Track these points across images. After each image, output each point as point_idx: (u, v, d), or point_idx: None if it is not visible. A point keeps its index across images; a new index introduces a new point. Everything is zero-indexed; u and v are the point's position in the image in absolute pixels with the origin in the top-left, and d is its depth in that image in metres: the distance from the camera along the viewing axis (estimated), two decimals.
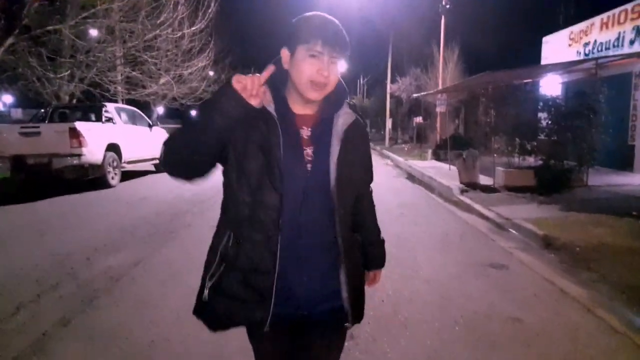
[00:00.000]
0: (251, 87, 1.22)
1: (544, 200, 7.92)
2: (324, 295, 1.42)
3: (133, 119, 11.23)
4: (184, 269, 4.44)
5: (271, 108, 1.33)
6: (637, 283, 4.03)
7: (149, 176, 11.69)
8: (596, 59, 9.78)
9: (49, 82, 14.21)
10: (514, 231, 6.23)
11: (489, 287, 4.13)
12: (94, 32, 15.07)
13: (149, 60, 15.43)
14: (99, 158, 9.17)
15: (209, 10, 16.57)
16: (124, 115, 10.73)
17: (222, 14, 18.28)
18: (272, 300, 1.33)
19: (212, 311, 1.39)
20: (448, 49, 19.75)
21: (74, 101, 15.13)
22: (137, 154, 10.85)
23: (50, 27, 12.69)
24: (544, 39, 15.99)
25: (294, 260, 1.36)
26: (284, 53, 1.35)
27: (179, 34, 15.70)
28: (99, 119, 9.82)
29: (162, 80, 16.87)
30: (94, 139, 9.09)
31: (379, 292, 3.89)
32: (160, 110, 42.42)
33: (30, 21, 12.72)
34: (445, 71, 19.59)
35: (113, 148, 9.70)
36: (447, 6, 16.73)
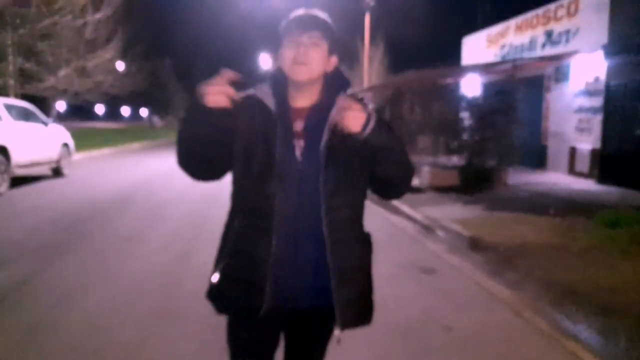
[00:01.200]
0: (213, 92, 1.28)
1: (468, 200, 7.95)
2: (315, 289, 1.41)
3: (25, 116, 9.85)
4: (80, 287, 3.83)
5: (271, 102, 1.41)
6: (559, 278, 4.10)
7: (45, 182, 10.29)
8: (514, 60, 10.10)
9: None
10: (441, 233, 6.09)
11: (419, 291, 3.98)
12: None
13: (46, 50, 13.85)
14: None
15: None
16: (14, 112, 9.37)
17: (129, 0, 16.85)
18: (267, 287, 1.36)
19: (220, 294, 1.46)
20: (373, 46, 19.87)
21: None
22: (31, 156, 9.52)
23: None
24: (464, 40, 16.50)
25: (291, 251, 1.39)
26: (277, 55, 1.46)
27: (82, 21, 14.24)
28: None
29: (61, 73, 15.23)
30: None
31: None
32: (62, 106, 38.82)
33: None
34: (371, 68, 19.69)
35: (0, 150, 8.41)
36: (372, 3, 16.73)
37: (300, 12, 1.44)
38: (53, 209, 7.20)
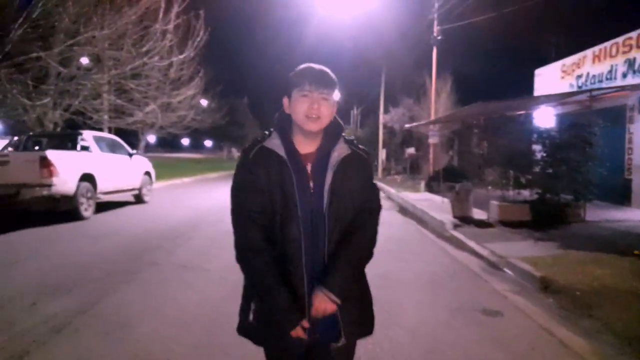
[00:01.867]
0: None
1: (540, 237, 7.48)
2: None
3: (112, 148, 10.77)
4: (135, 318, 3.93)
5: (282, 152, 1.59)
6: None
7: (127, 207, 11.15)
8: (590, 90, 9.55)
9: (32, 110, 13.87)
10: (508, 271, 5.76)
11: (480, 337, 3.66)
12: (84, 60, 14.86)
13: (135, 88, 15.13)
14: (71, 188, 8.67)
15: (198, 39, 16.42)
16: (102, 144, 10.28)
17: (212, 42, 18.20)
18: (307, 310, 1.58)
19: (258, 331, 1.64)
20: (440, 80, 19.69)
21: (58, 129, 14.70)
22: (114, 184, 10.34)
23: (33, 55, 12.43)
24: (537, 72, 15.90)
25: (309, 273, 1.59)
26: (285, 101, 1.65)
27: (167, 62, 15.46)
28: (74, 147, 9.36)
29: (147, 109, 16.54)
30: (67, 169, 8.62)
31: (357, 344, 3.39)
32: (152, 138, 41.98)
33: (13, 48, 12.49)
34: (438, 102, 19.45)
35: (88, 178, 9.22)
36: (439, 37, 16.68)
37: (311, 67, 1.63)
38: (128, 234, 7.69)
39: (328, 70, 1.64)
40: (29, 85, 13.29)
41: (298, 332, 1.55)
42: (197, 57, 18.29)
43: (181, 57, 16.02)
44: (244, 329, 1.67)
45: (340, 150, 1.66)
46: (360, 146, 1.74)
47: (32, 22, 12.73)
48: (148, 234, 7.69)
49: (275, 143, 1.61)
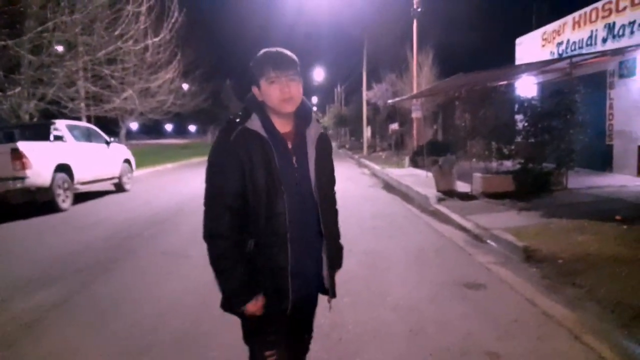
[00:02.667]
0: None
1: (524, 207, 7.49)
2: (312, 278, 1.80)
3: (87, 137, 10.48)
4: (112, 310, 3.84)
5: (263, 132, 1.66)
6: (626, 298, 3.59)
7: (108, 197, 10.93)
8: (570, 57, 9.48)
9: (5, 100, 13.42)
10: (492, 243, 5.75)
11: (464, 312, 3.64)
12: (59, 48, 14.36)
13: (110, 74, 14.71)
14: (46, 180, 8.44)
15: (172, 20, 15.94)
16: (76, 133, 9.99)
17: (190, 24, 17.70)
18: (290, 290, 1.69)
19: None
20: (422, 53, 19.45)
21: (34, 120, 14.27)
22: (92, 173, 10.10)
23: (3, 43, 11.96)
24: (517, 40, 15.77)
25: (304, 252, 1.72)
26: (255, 91, 1.73)
27: (142, 45, 15.01)
28: (47, 137, 9.07)
29: (124, 94, 16.11)
30: (40, 160, 8.37)
31: (339, 326, 3.34)
32: (134, 125, 41.34)
33: None
34: (420, 76, 19.27)
35: (63, 168, 8.97)
36: (419, 9, 16.41)
37: (269, 53, 1.68)
38: (107, 224, 7.53)
39: (286, 52, 1.70)
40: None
41: (249, 309, 1.66)
42: (174, 40, 17.79)
43: (156, 39, 15.55)
44: (224, 305, 1.76)
45: (316, 128, 1.79)
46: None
47: None
48: (128, 223, 7.54)
49: (256, 124, 1.67)
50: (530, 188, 8.30)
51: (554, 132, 8.26)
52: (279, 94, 1.65)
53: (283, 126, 1.74)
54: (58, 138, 9.28)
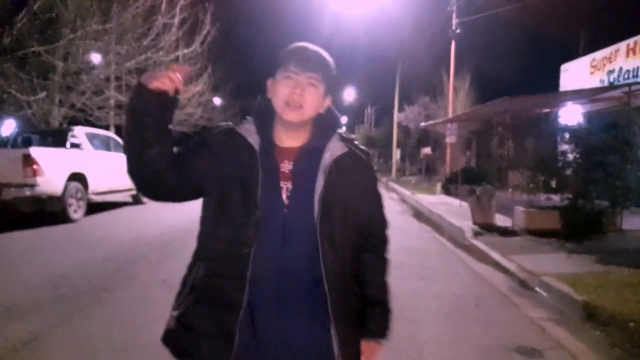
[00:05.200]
0: (158, 76, 1.23)
1: (574, 249, 6.63)
2: (311, 353, 1.27)
3: (107, 145, 10.15)
4: (86, 354, 3.22)
5: (254, 140, 1.31)
6: None
7: (123, 209, 10.52)
8: (629, 84, 8.62)
9: (37, 105, 13.40)
10: (542, 292, 4.94)
11: None
12: (96, 58, 14.37)
13: None
14: (57, 189, 8.05)
15: (204, 33, 15.79)
16: (95, 141, 9.66)
17: (222, 39, 17.57)
18: (236, 341, 1.23)
19: (177, 341, 1.31)
20: (459, 77, 18.74)
21: (63, 127, 14.20)
22: (108, 184, 9.72)
23: (32, 49, 11.93)
24: (563, 67, 14.92)
25: (272, 306, 1.25)
26: (269, 82, 1.36)
27: (173, 56, 14.86)
28: (63, 144, 8.73)
29: None
30: (53, 167, 7.99)
31: None
32: None
33: (14, 42, 12.01)
34: (456, 100, 18.52)
35: (77, 177, 8.59)
36: (457, 31, 15.76)
37: (302, 46, 1.33)
38: (115, 241, 7.01)
39: (323, 52, 1.33)
40: (28, 81, 12.78)
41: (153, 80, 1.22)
42: (205, 53, 17.69)
43: (187, 51, 15.39)
44: (165, 337, 1.35)
45: (334, 149, 1.33)
46: (361, 146, 1.40)
47: (32, 16, 12.26)
48: (137, 241, 7.00)
49: (248, 128, 1.33)
50: (579, 227, 7.43)
51: (609, 169, 7.38)
52: (287, 92, 1.28)
53: (289, 138, 1.34)
54: (75, 145, 8.93)
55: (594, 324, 3.98)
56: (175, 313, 1.32)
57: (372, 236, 1.44)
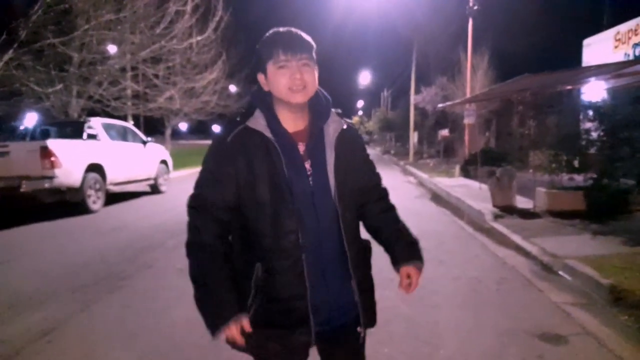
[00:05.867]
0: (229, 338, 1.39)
1: (599, 230, 6.42)
2: (343, 306, 1.46)
3: (124, 136, 10.19)
4: (106, 343, 3.23)
5: (267, 132, 1.38)
6: None
7: (142, 198, 10.61)
8: None
9: (55, 97, 13.53)
10: (566, 276, 4.79)
11: None
12: (112, 49, 14.41)
13: (155, 73, 14.62)
14: (76, 180, 8.12)
15: (217, 19, 15.65)
16: (112, 132, 9.70)
17: (235, 25, 17.41)
18: (312, 321, 1.38)
19: (257, 340, 1.41)
20: (477, 55, 18.23)
21: (82, 118, 14.31)
22: (126, 174, 9.78)
23: (47, 41, 11.99)
24: (585, 42, 14.37)
25: (319, 276, 1.40)
26: (260, 79, 1.44)
27: (186, 43, 14.79)
28: (80, 135, 8.79)
29: (167, 94, 15.96)
30: (71, 159, 8.06)
31: None
32: (182, 126, 41.82)
33: (29, 34, 12.09)
34: (474, 79, 18.06)
35: (95, 168, 8.66)
36: (475, 7, 15.29)
37: (279, 33, 1.41)
38: (133, 230, 7.08)
39: (299, 32, 1.42)
40: (45, 73, 12.88)
41: (232, 332, 1.36)
42: (219, 39, 17.57)
43: (200, 38, 15.30)
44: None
45: (335, 125, 1.48)
46: (349, 121, 1.57)
47: (46, 8, 12.31)
48: (155, 229, 7.05)
49: (259, 123, 1.39)
50: (604, 207, 7.19)
51: (637, 145, 7.09)
52: (288, 80, 1.36)
53: (295, 123, 1.45)
54: (92, 137, 8.99)
55: (621, 308, 3.83)
56: (249, 316, 1.40)
57: (375, 190, 1.63)
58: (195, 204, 1.44)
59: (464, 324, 3.57)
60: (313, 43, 1.42)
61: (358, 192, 1.52)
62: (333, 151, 1.43)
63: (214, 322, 1.36)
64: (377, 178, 1.65)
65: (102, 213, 8.64)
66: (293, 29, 1.41)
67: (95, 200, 8.60)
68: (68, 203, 8.19)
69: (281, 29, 1.40)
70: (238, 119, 1.42)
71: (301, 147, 1.42)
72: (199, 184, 1.45)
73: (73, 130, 9.18)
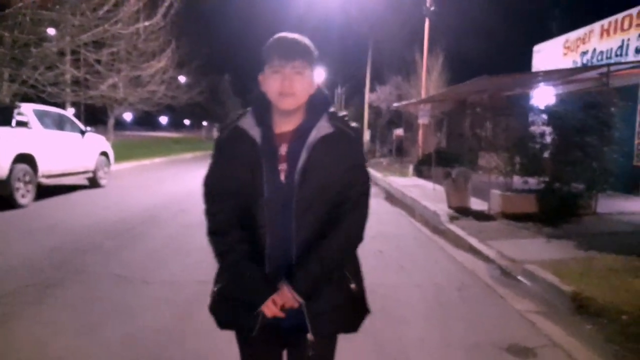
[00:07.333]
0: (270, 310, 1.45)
1: (552, 233, 6.49)
2: (290, 308, 1.47)
3: (59, 124, 9.34)
4: None
5: (255, 132, 1.48)
6: None
7: (79, 192, 9.78)
8: (608, 65, 8.47)
9: None
10: (525, 281, 4.71)
11: None
12: (51, 31, 13.25)
13: (96, 58, 13.65)
14: (2, 171, 7.29)
15: (166, 4, 14.82)
16: (46, 120, 8.84)
17: (187, 13, 16.58)
18: (260, 307, 1.44)
19: (219, 311, 1.57)
20: (431, 57, 18.41)
21: (16, 105, 13.05)
22: (61, 166, 8.96)
23: None
24: (535, 48, 14.80)
25: (282, 267, 1.46)
26: (260, 78, 1.53)
27: (132, 29, 13.88)
28: (9, 122, 7.92)
29: (109, 81, 14.97)
30: None
31: None
32: (127, 117, 40.12)
33: None
34: (429, 80, 18.23)
35: (25, 159, 7.84)
36: (432, 8, 15.37)
37: (280, 39, 1.46)
38: (64, 229, 6.39)
39: (301, 39, 1.47)
40: None
41: (271, 309, 1.43)
42: (168, 27, 16.69)
43: (147, 24, 14.42)
44: (211, 307, 1.59)
45: (320, 129, 1.48)
46: (352, 124, 1.55)
47: None
48: (90, 229, 6.41)
49: (248, 122, 1.51)
50: (555, 211, 7.30)
51: (588, 150, 7.23)
52: (278, 86, 1.44)
53: (285, 123, 1.51)
54: (22, 124, 8.13)
55: (584, 317, 3.76)
56: (215, 288, 1.56)
57: (343, 206, 1.49)
58: (206, 192, 1.55)
59: (430, 337, 3.33)
60: (313, 49, 1.48)
61: (330, 199, 1.47)
62: (307, 153, 1.45)
63: (255, 298, 1.45)
64: (362, 183, 1.51)
65: (32, 208, 7.82)
66: (296, 36, 1.47)
67: (24, 194, 7.76)
68: None
69: (285, 35, 1.47)
70: (236, 117, 1.55)
71: (283, 148, 1.48)
72: (207, 175, 1.57)
73: (1, 116, 8.26)
